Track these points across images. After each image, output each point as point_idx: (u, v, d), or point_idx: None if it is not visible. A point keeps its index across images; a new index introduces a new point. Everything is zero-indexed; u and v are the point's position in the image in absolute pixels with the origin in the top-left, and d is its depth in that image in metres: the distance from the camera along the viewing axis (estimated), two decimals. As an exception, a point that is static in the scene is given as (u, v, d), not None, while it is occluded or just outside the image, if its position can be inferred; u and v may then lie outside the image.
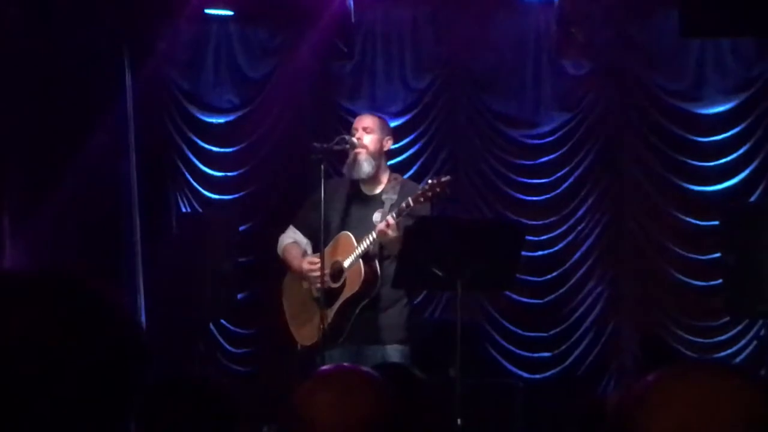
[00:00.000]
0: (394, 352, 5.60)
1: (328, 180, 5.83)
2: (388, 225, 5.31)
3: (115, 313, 1.39)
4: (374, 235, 5.41)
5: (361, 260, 5.52)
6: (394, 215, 5.36)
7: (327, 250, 5.56)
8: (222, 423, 2.57)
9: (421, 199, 5.36)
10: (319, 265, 5.51)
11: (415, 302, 8.15)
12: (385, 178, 5.80)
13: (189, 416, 2.55)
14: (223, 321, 8.19)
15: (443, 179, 5.37)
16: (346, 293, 5.57)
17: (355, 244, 5.54)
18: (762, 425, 1.33)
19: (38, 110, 7.39)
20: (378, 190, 5.74)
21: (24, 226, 7.09)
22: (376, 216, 5.58)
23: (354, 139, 5.68)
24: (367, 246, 5.47)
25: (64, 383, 1.31)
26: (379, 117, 6.02)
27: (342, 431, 1.90)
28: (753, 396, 1.35)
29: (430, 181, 5.40)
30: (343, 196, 5.74)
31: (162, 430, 2.54)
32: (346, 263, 5.56)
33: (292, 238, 5.87)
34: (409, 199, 5.36)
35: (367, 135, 5.73)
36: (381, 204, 5.63)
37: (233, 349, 8.33)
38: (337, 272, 5.60)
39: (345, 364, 2.17)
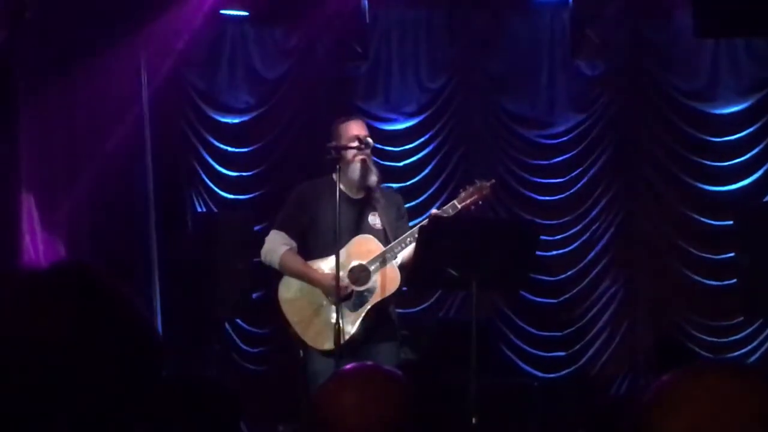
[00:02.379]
0: (401, 349, 5.75)
1: (311, 181, 5.83)
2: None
3: (128, 308, 1.42)
4: (413, 236, 5.38)
5: (394, 264, 5.52)
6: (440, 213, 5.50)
7: (341, 252, 5.44)
8: (223, 423, 2.57)
9: (467, 201, 5.49)
10: (342, 286, 5.43)
11: (431, 301, 8.23)
12: None
13: (189, 416, 2.56)
14: (238, 320, 8.22)
15: (488, 183, 5.56)
16: (378, 297, 5.52)
17: (382, 247, 5.53)
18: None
19: (55, 110, 7.41)
20: (363, 195, 5.72)
21: (42, 226, 7.12)
22: (372, 219, 5.64)
23: (369, 140, 5.66)
24: (400, 249, 5.48)
25: (78, 376, 1.33)
26: None
27: (365, 431, 1.90)
28: (766, 396, 1.37)
29: (477, 183, 5.56)
30: (330, 199, 5.56)
31: (162, 429, 2.55)
32: (373, 267, 5.52)
33: (286, 245, 5.69)
34: (455, 201, 5.51)
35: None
36: (373, 208, 5.67)
37: (248, 348, 8.34)
38: (361, 276, 5.56)
39: (367, 362, 2.13)
